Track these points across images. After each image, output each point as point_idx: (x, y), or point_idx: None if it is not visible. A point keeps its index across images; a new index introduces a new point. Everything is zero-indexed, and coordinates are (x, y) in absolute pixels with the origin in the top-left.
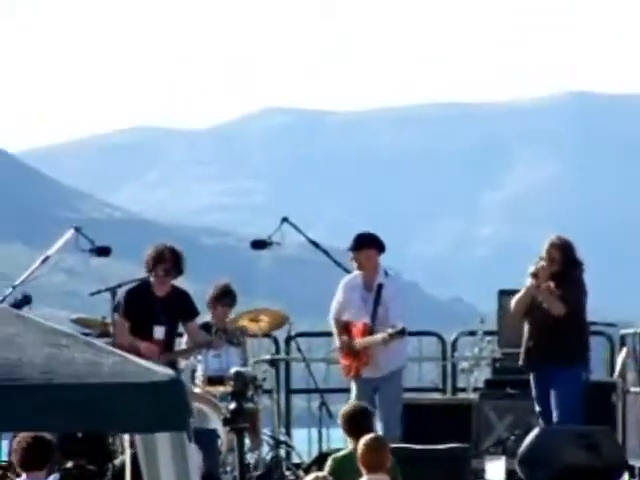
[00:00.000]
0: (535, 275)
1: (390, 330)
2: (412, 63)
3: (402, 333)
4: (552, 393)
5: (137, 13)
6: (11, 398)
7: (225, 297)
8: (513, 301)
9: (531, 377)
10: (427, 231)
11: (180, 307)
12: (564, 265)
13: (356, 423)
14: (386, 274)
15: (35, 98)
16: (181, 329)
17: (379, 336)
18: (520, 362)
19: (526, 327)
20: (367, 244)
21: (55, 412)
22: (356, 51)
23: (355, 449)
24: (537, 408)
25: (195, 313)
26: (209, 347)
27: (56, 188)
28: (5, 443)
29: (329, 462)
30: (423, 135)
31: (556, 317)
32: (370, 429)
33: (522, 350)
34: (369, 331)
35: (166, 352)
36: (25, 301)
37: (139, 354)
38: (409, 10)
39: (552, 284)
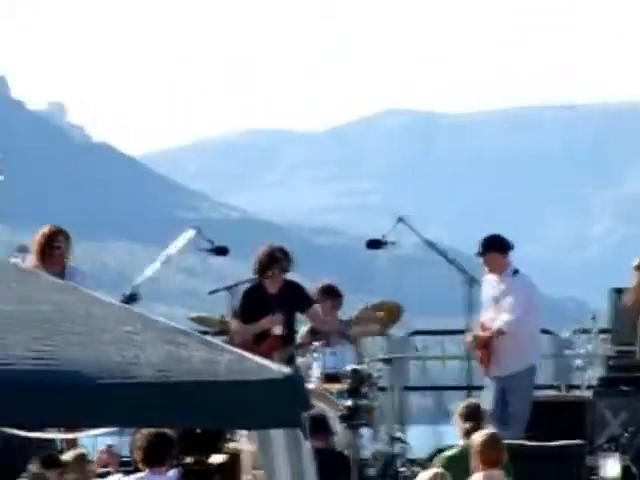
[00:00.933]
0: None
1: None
2: (524, 65)
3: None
4: None
5: (246, 17)
6: (129, 395)
7: (328, 294)
8: (627, 297)
9: None
10: (540, 230)
11: (294, 299)
12: None
13: (467, 421)
14: (515, 272)
15: (155, 100)
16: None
17: (484, 333)
18: (638, 357)
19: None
20: (489, 248)
21: (173, 409)
22: (453, 54)
23: (465, 446)
24: None
25: (311, 301)
26: (325, 339)
27: (175, 189)
28: (127, 440)
29: (438, 459)
30: (536, 136)
31: None
32: (480, 427)
33: (638, 347)
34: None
35: (285, 346)
36: (132, 298)
37: (259, 353)
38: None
39: None
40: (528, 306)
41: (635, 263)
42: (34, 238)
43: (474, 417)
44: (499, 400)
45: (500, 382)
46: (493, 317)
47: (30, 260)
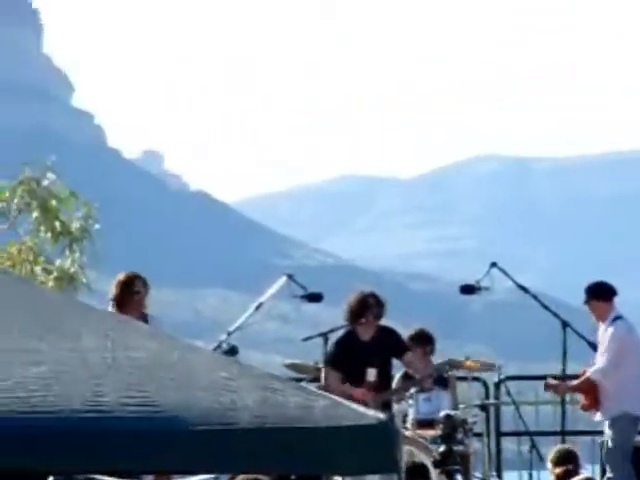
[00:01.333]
0: None
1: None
2: (625, 108)
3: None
4: None
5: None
6: (226, 441)
7: (420, 340)
8: None
9: None
10: (637, 275)
11: (389, 345)
12: None
13: (557, 466)
14: (615, 319)
15: (251, 147)
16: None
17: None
18: None
19: None
20: (590, 296)
21: (268, 455)
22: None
23: None
24: None
25: (406, 347)
26: (419, 385)
27: (270, 236)
28: None
29: None
30: (631, 178)
31: None
32: (575, 472)
33: None
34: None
35: (379, 393)
36: (232, 351)
37: (352, 400)
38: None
39: None
40: (619, 353)
41: None
42: (113, 285)
43: (565, 462)
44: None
45: (605, 428)
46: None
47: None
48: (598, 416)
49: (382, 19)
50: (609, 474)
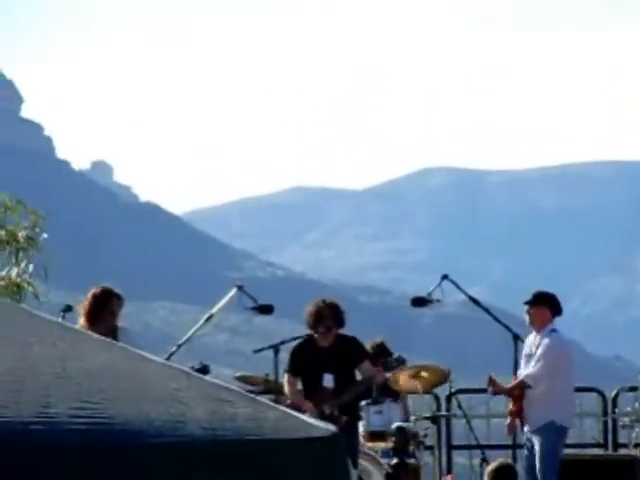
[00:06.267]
0: None
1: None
2: (575, 121)
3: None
4: None
5: (291, 71)
6: (174, 454)
7: (381, 355)
8: None
9: None
10: (587, 289)
11: (348, 352)
12: None
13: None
14: (552, 331)
15: (202, 158)
16: None
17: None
18: None
19: None
20: (542, 302)
21: (218, 468)
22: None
23: None
24: None
25: (365, 355)
26: (371, 382)
27: (220, 248)
28: None
29: None
30: (583, 193)
31: None
32: None
33: None
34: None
35: (335, 398)
36: (203, 371)
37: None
38: None
39: None
40: (554, 364)
41: None
42: (85, 299)
43: (503, 477)
44: (528, 456)
45: (530, 437)
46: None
47: (80, 322)
48: (525, 428)
49: (429, 73)
50: None
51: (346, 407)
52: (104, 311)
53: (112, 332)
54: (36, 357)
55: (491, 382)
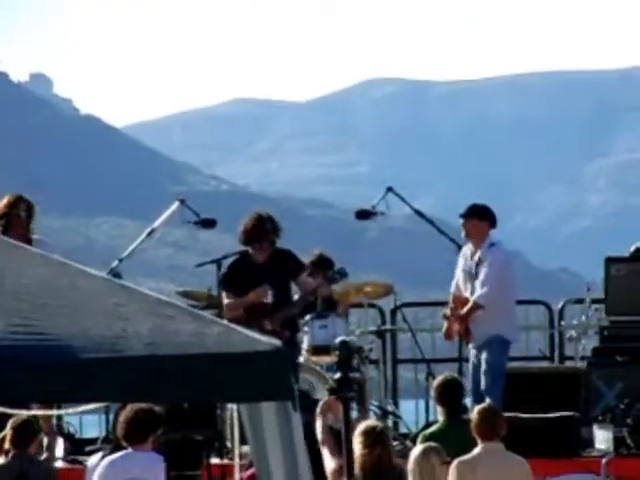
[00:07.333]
0: None
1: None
2: (521, 32)
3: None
4: None
5: None
6: (115, 370)
7: (321, 267)
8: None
9: None
10: (533, 200)
11: (284, 265)
12: None
13: (444, 394)
14: (491, 245)
15: (139, 72)
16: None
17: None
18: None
19: None
20: (478, 214)
21: (160, 383)
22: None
23: (445, 421)
24: None
25: (301, 267)
26: (314, 293)
27: (163, 161)
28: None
29: (419, 439)
30: (530, 103)
31: None
32: (459, 401)
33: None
34: (464, 303)
35: (276, 313)
36: (115, 277)
37: (252, 307)
38: None
39: None
40: (501, 279)
41: None
42: None
43: (447, 391)
44: (474, 374)
45: (475, 351)
46: (468, 290)
47: None
48: (470, 345)
49: None
50: (487, 396)
51: (286, 321)
52: (15, 218)
53: (26, 242)
54: None
55: (446, 318)
